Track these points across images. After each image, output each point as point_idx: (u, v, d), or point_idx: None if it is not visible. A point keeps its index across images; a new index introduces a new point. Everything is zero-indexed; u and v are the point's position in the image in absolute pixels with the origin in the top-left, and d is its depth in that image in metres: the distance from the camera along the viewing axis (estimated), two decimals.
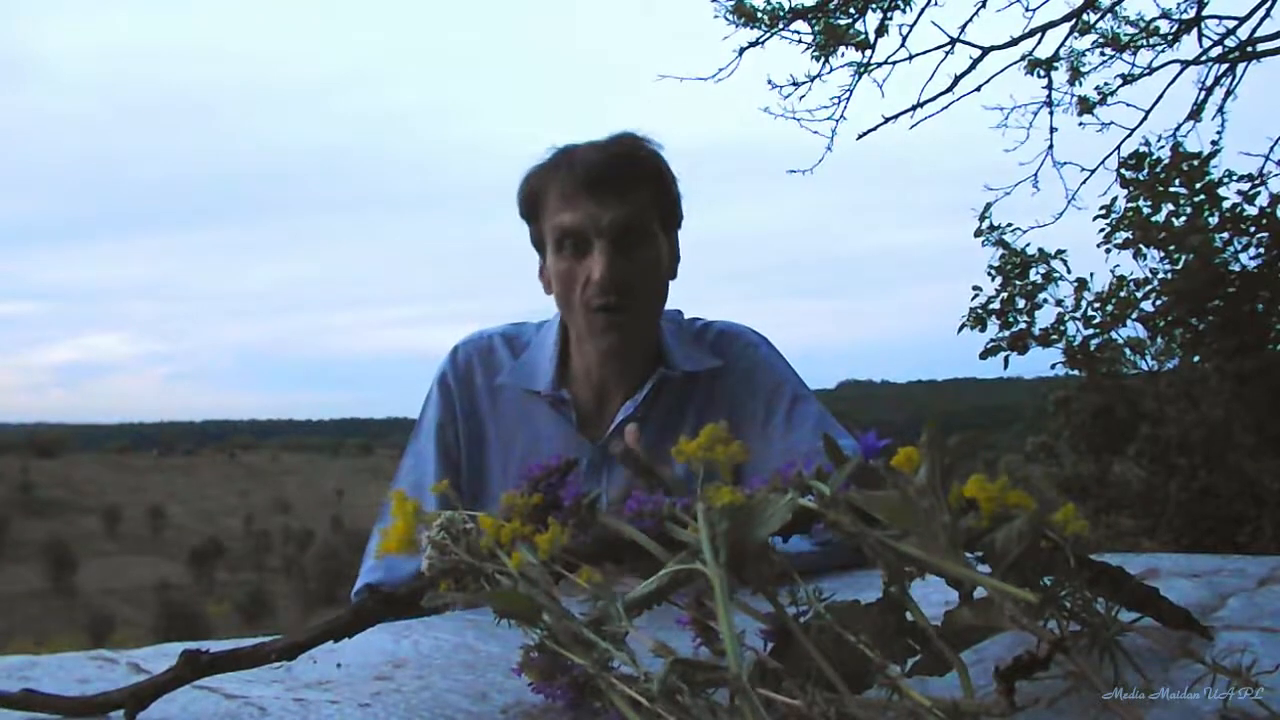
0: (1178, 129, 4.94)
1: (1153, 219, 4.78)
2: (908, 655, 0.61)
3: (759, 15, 4.64)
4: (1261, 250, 4.68)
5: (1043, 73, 4.97)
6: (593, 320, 1.40)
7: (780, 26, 4.68)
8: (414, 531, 0.71)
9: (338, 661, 0.83)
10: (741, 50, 4.74)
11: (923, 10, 4.69)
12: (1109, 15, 4.87)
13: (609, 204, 1.37)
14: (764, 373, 1.49)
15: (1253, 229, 4.68)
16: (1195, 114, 4.91)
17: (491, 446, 1.49)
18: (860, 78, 4.81)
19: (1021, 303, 4.96)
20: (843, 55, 4.78)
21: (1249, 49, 4.81)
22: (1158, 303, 4.83)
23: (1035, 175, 5.06)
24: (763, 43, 4.73)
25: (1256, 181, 4.70)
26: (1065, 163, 5.07)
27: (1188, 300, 4.65)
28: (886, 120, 4.89)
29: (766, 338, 1.55)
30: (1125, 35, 4.87)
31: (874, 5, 4.68)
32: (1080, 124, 5.05)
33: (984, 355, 5.01)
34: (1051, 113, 5.04)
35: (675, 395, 1.47)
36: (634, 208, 1.39)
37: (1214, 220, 4.72)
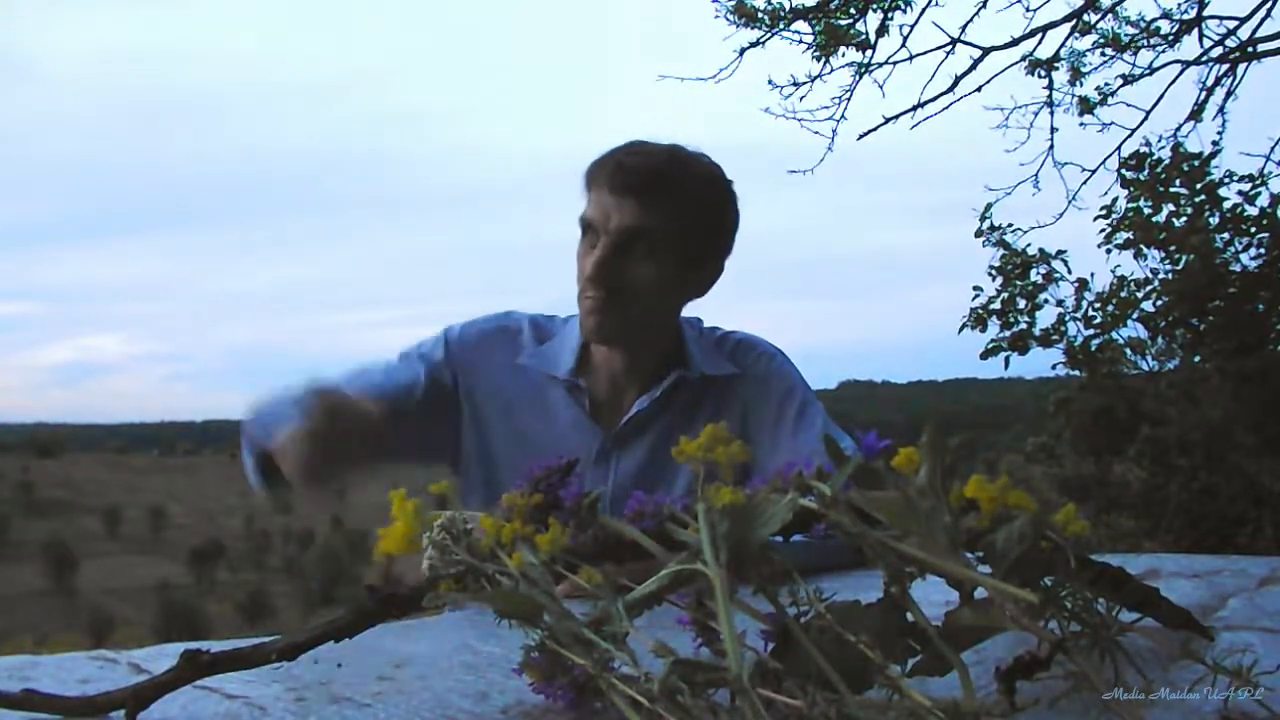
0: (1178, 129, 4.95)
1: (1153, 219, 4.79)
2: (908, 655, 0.60)
3: (759, 15, 4.64)
4: (1262, 250, 4.69)
5: (1043, 73, 4.98)
6: (581, 303, 1.47)
7: (781, 27, 4.69)
8: (415, 530, 0.71)
9: (338, 661, 0.83)
10: (742, 50, 4.75)
11: (923, 10, 4.70)
12: (1109, 16, 4.88)
13: (625, 208, 1.41)
14: (777, 379, 1.53)
15: (1253, 229, 4.69)
16: (1196, 114, 4.92)
17: (498, 415, 1.53)
18: (861, 78, 4.82)
19: (1022, 303, 4.97)
20: (843, 55, 4.78)
21: (1249, 49, 4.82)
22: (1158, 303, 4.84)
23: (1036, 175, 5.07)
24: (763, 43, 4.74)
25: (1257, 182, 4.71)
26: (1066, 163, 5.09)
27: (1188, 300, 4.65)
28: (887, 120, 4.90)
29: (781, 349, 1.58)
30: (1126, 36, 4.88)
31: (874, 5, 4.68)
32: (1081, 124, 5.06)
33: (985, 355, 5.01)
34: (1052, 113, 5.05)
35: (690, 397, 1.51)
36: (646, 222, 1.41)
37: (1214, 220, 4.73)
